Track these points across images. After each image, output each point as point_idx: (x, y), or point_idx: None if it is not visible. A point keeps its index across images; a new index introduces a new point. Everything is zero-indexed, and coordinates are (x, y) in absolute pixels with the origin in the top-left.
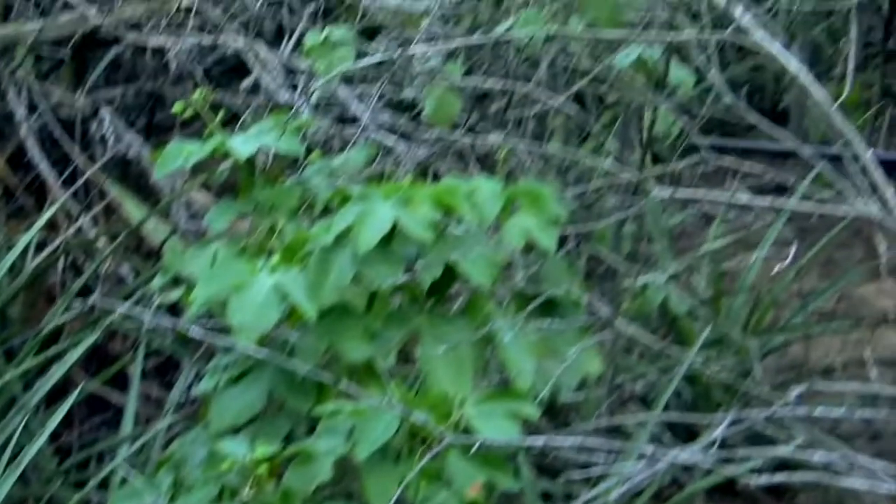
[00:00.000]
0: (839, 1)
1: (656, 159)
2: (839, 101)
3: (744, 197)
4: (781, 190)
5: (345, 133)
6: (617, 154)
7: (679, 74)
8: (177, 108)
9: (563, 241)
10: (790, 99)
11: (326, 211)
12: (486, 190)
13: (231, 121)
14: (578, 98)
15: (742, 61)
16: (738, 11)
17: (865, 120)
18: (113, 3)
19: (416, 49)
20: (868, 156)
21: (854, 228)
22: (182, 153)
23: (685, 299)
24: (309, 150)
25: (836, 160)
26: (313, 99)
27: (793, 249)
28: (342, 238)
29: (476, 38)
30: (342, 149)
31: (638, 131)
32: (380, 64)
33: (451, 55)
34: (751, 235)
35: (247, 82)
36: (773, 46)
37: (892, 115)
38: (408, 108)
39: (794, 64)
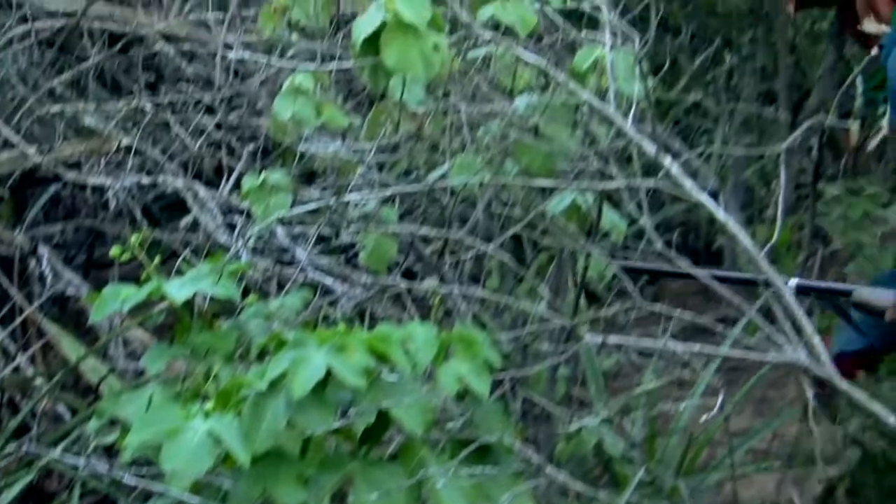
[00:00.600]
0: (768, 147)
1: (593, 298)
2: (769, 245)
3: (673, 345)
4: (717, 324)
5: (283, 273)
6: (551, 297)
7: (612, 219)
8: (114, 252)
9: (498, 383)
10: (724, 238)
11: (262, 355)
12: (419, 336)
13: (171, 256)
14: (516, 238)
15: (676, 202)
16: (666, 161)
17: (796, 261)
18: (52, 141)
19: (352, 197)
20: (795, 303)
21: (786, 367)
22: (118, 296)
23: (619, 441)
24: (247, 290)
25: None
26: (251, 243)
27: (721, 396)
28: (276, 384)
29: (411, 187)
30: (280, 287)
31: (572, 274)
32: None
33: (387, 200)
34: (685, 374)
35: (186, 221)
36: (700, 196)
37: (823, 256)
38: (345, 250)
39: (721, 214)
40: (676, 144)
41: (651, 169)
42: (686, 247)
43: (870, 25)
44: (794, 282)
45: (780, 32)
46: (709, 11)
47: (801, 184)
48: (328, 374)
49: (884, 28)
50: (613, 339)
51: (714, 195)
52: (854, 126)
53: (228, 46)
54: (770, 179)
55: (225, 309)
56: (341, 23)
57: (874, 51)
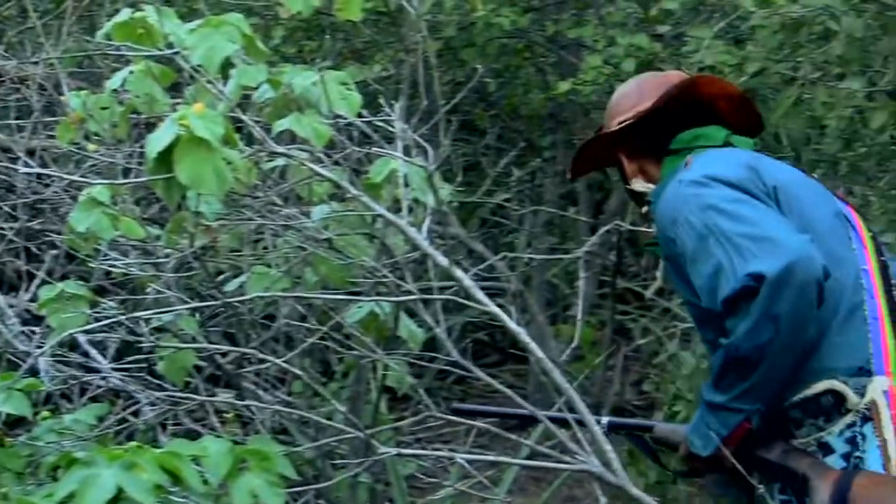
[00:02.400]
0: (567, 255)
1: (399, 398)
2: (571, 346)
3: (466, 458)
4: (525, 425)
5: (84, 379)
6: (351, 404)
7: (408, 328)
8: None
9: (301, 492)
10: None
11: (55, 472)
12: (213, 451)
13: None
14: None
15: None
16: (458, 273)
17: (600, 360)
18: None
19: (147, 314)
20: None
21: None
22: None
23: None
24: (49, 397)
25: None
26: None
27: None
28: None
29: (207, 303)
30: (83, 393)
31: (370, 382)
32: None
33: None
34: (491, 476)
35: None
36: (492, 307)
37: (626, 354)
38: (147, 358)
39: (513, 325)
40: (480, 247)
41: (449, 276)
42: (494, 345)
43: (638, 185)
44: (605, 420)
45: (579, 135)
46: (512, 115)
47: (604, 280)
48: (119, 492)
49: (651, 186)
50: (408, 451)
51: (517, 296)
52: (653, 226)
53: (31, 152)
54: (574, 278)
55: (21, 422)
56: (143, 132)
57: (644, 209)
